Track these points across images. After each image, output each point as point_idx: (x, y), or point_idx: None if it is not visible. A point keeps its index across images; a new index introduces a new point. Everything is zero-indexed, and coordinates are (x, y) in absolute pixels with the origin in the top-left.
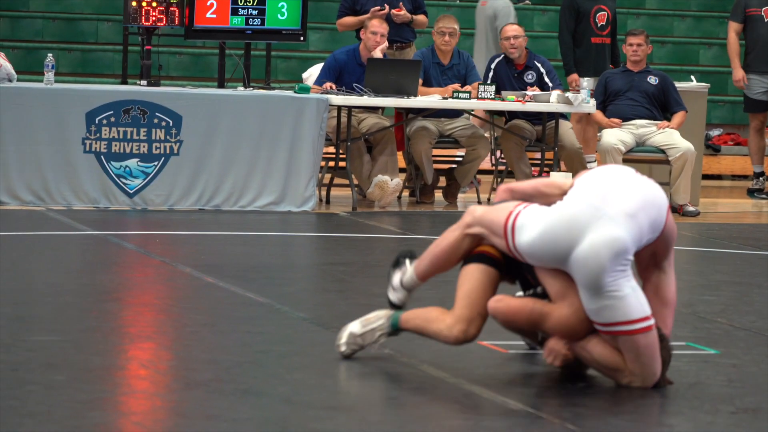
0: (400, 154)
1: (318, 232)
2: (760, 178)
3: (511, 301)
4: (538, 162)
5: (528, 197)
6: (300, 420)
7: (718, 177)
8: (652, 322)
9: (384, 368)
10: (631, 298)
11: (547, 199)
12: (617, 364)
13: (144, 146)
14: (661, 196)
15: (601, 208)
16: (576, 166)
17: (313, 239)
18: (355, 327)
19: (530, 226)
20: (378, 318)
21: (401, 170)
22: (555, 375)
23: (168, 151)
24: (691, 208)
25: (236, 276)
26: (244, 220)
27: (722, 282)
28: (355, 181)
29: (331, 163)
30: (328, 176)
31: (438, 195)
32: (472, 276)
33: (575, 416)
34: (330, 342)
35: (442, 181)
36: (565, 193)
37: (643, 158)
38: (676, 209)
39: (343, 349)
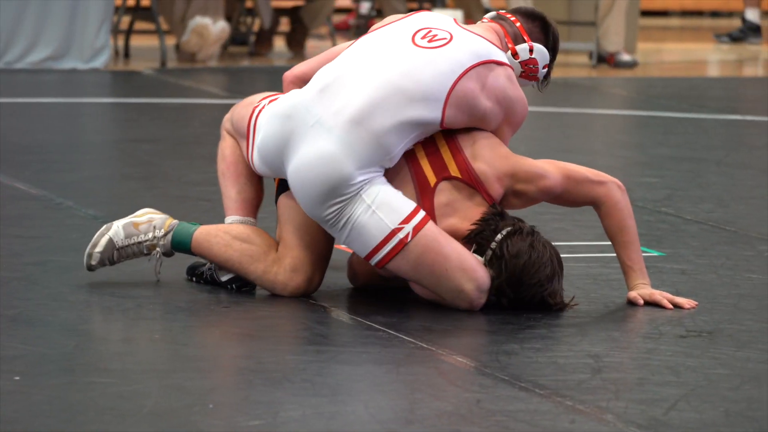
0: None
1: (113, 97)
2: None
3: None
4: None
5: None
6: (89, 357)
7: (663, 14)
8: (405, 231)
9: (207, 286)
10: (364, 220)
11: None
12: (432, 293)
13: None
14: (435, 77)
15: (318, 106)
16: (470, 2)
17: (107, 107)
18: (118, 232)
19: (263, 125)
20: (150, 224)
21: (227, 10)
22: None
23: None
24: (626, 57)
25: (0, 160)
26: (12, 82)
27: (668, 158)
28: (165, 26)
29: (131, 1)
30: (126, 20)
31: (279, 43)
32: (298, 207)
33: (467, 347)
34: None
35: (284, 25)
36: None
37: None
38: (605, 58)
39: (93, 262)
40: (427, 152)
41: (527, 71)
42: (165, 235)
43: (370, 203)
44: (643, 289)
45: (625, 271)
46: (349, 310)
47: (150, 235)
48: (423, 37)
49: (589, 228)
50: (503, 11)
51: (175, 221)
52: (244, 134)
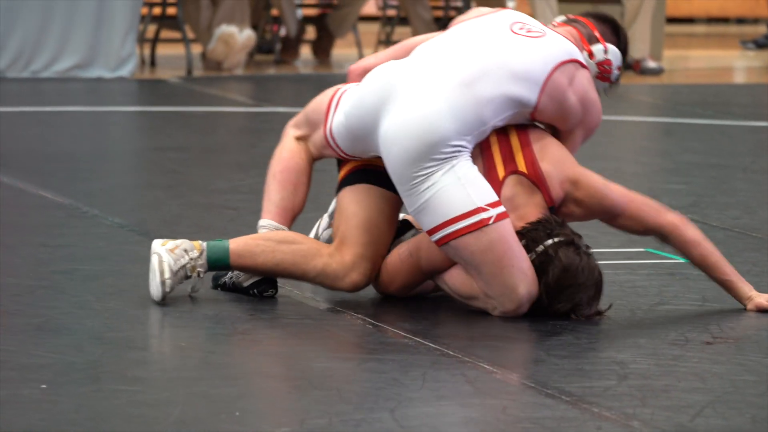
0: None
1: (140, 106)
2: None
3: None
4: (442, 5)
5: None
6: (115, 365)
7: (689, 21)
8: (489, 214)
9: (232, 294)
10: (451, 190)
11: None
12: (472, 289)
13: None
14: (536, 61)
15: (425, 68)
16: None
17: (134, 116)
18: (168, 258)
19: (345, 103)
20: (181, 248)
21: (253, 19)
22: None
23: None
24: (652, 64)
25: (27, 168)
26: (38, 91)
27: (694, 165)
28: (191, 35)
29: (157, 10)
30: (152, 28)
31: (305, 51)
32: (364, 202)
33: (493, 354)
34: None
35: (310, 33)
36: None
37: None
38: (630, 65)
39: (168, 289)
40: (500, 143)
41: (602, 72)
42: (199, 255)
43: (460, 176)
44: (765, 295)
45: (729, 287)
46: (375, 318)
47: (186, 258)
48: (520, 28)
49: (615, 235)
50: (573, 15)
51: (202, 242)
52: (322, 118)
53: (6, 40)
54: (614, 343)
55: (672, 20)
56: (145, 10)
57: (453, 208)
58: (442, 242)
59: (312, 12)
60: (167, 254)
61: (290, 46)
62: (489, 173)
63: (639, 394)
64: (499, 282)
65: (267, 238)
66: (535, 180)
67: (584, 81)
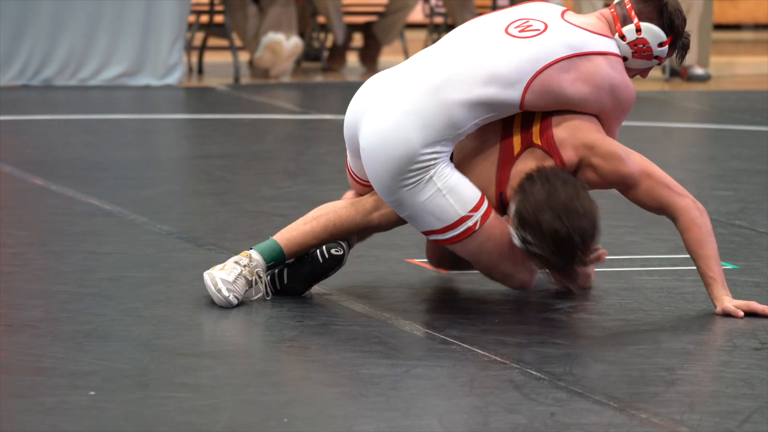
0: (298, 4)
1: (187, 113)
2: None
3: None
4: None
5: None
6: (163, 371)
7: (736, 27)
8: (474, 220)
9: (278, 298)
10: (434, 202)
11: None
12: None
13: None
14: (520, 62)
15: (396, 79)
16: None
17: (181, 123)
18: (220, 275)
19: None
20: (231, 261)
21: (300, 26)
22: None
23: None
24: (699, 71)
25: (75, 176)
26: (85, 99)
27: (741, 171)
28: (238, 42)
29: (204, 18)
30: (200, 36)
31: (352, 59)
32: None
33: (541, 360)
34: (205, 264)
35: (357, 40)
36: None
37: None
38: (678, 72)
39: (232, 300)
40: (522, 123)
41: (638, 51)
42: (249, 260)
43: (440, 187)
44: (735, 301)
45: (709, 284)
46: (423, 324)
47: (239, 267)
48: (516, 27)
49: (663, 241)
50: None
51: (247, 250)
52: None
53: (54, 48)
54: (662, 348)
55: (719, 26)
56: (192, 18)
57: (438, 220)
58: (435, 242)
59: (359, 19)
60: (218, 271)
61: (337, 53)
62: (504, 150)
63: (687, 399)
64: (497, 272)
65: (305, 221)
66: (547, 148)
67: (601, 68)
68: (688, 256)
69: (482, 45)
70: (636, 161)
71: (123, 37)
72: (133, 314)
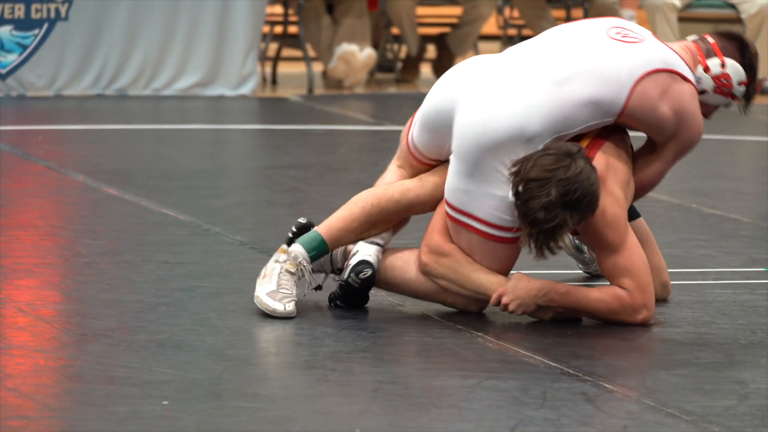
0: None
1: (261, 124)
2: None
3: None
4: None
5: None
6: (237, 382)
7: None
8: (509, 235)
9: (351, 309)
10: (506, 202)
11: None
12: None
13: (20, 8)
14: (625, 66)
15: (511, 65)
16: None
17: (254, 134)
18: (266, 288)
19: (422, 106)
20: (268, 266)
21: (374, 38)
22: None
23: (53, 15)
24: None
25: (148, 186)
26: (159, 109)
27: None
28: (312, 53)
29: (278, 29)
30: (274, 47)
31: (426, 70)
32: None
33: (614, 373)
34: None
35: (431, 52)
36: None
37: (706, 16)
38: None
39: (290, 308)
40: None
41: (720, 86)
42: (288, 255)
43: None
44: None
45: (576, 288)
46: (496, 336)
47: (279, 266)
48: (617, 33)
49: (735, 255)
50: (704, 34)
51: (285, 246)
52: (406, 134)
53: (128, 58)
54: (735, 362)
55: None
56: (266, 29)
57: (498, 216)
58: (456, 222)
59: (432, 31)
60: (261, 287)
61: (411, 64)
62: None
63: (760, 413)
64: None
65: (350, 208)
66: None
67: (682, 94)
68: (762, 269)
69: (591, 46)
70: (629, 240)
71: (197, 47)
72: (206, 324)
